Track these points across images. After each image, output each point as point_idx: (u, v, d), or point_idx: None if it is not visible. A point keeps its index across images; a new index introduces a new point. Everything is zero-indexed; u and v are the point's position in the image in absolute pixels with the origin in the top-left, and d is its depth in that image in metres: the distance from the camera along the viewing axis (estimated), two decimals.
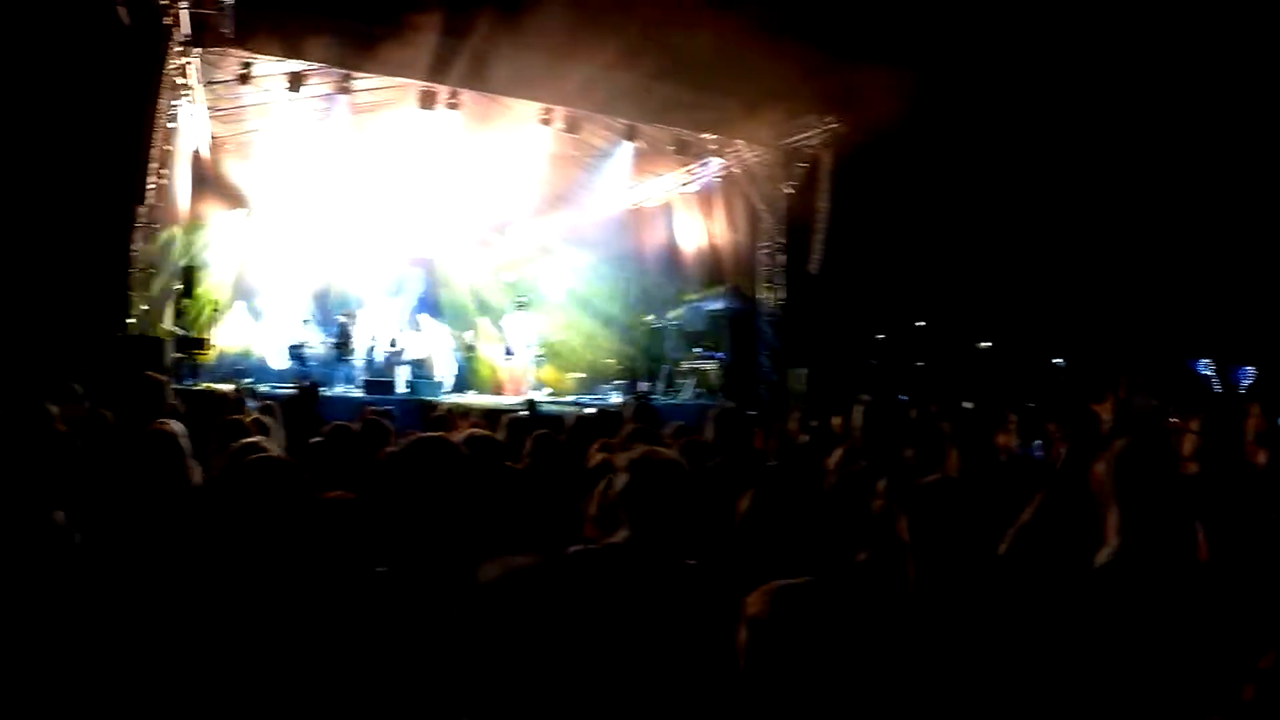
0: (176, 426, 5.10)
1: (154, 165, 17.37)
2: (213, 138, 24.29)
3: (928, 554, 3.47)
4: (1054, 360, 26.83)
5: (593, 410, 11.88)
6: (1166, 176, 26.74)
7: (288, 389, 20.26)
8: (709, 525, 4.09)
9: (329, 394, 19.31)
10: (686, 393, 24.69)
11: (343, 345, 24.21)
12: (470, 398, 22.85)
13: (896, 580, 3.44)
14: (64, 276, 17.84)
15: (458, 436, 5.49)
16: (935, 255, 28.52)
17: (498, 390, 25.50)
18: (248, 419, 8.28)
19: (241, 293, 26.45)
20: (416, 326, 26.56)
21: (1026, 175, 27.49)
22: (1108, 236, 27.99)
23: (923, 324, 30.99)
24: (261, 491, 3.90)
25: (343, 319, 24.54)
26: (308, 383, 16.12)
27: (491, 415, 14.50)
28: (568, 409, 17.30)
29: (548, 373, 26.19)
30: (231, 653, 3.37)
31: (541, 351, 25.09)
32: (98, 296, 17.33)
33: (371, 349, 24.87)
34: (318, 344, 25.08)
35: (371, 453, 6.83)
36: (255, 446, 4.76)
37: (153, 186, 17.51)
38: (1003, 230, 28.13)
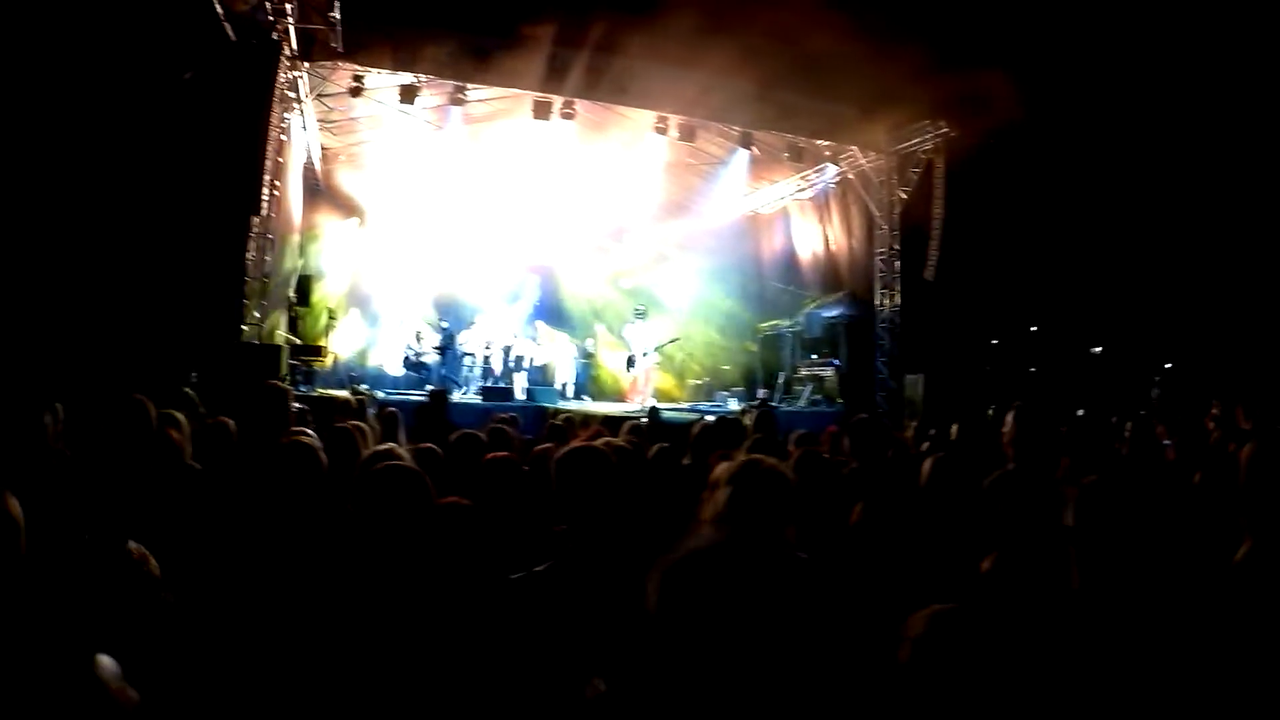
0: (314, 439, 5.20)
1: (267, 177, 17.66)
2: (323, 149, 24.74)
3: (1093, 554, 3.53)
4: (1164, 365, 26.48)
5: (712, 419, 11.97)
6: None
7: (406, 395, 20.62)
8: (823, 532, 4.22)
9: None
10: (803, 400, 24.58)
11: (445, 351, 24.62)
12: (588, 404, 23.10)
13: (1057, 582, 3.48)
14: (180, 286, 18.16)
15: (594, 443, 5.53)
16: (1048, 260, 28.20)
17: (616, 397, 25.62)
18: (368, 426, 8.51)
19: (356, 300, 26.99)
20: (534, 334, 26.77)
21: (1140, 179, 27.10)
22: (1221, 242, 27.50)
23: (1035, 329, 30.69)
24: (393, 500, 4.01)
25: (445, 326, 25.02)
26: (438, 389, 16.37)
27: (612, 422, 14.61)
28: (687, 416, 17.35)
29: (666, 380, 26.22)
30: (377, 659, 3.42)
31: (660, 359, 25.08)
32: (213, 306, 17.62)
33: (489, 356, 25.15)
34: (432, 350, 25.46)
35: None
36: (388, 454, 4.91)
37: (267, 198, 17.81)
38: (1115, 234, 27.76)
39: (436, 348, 24.82)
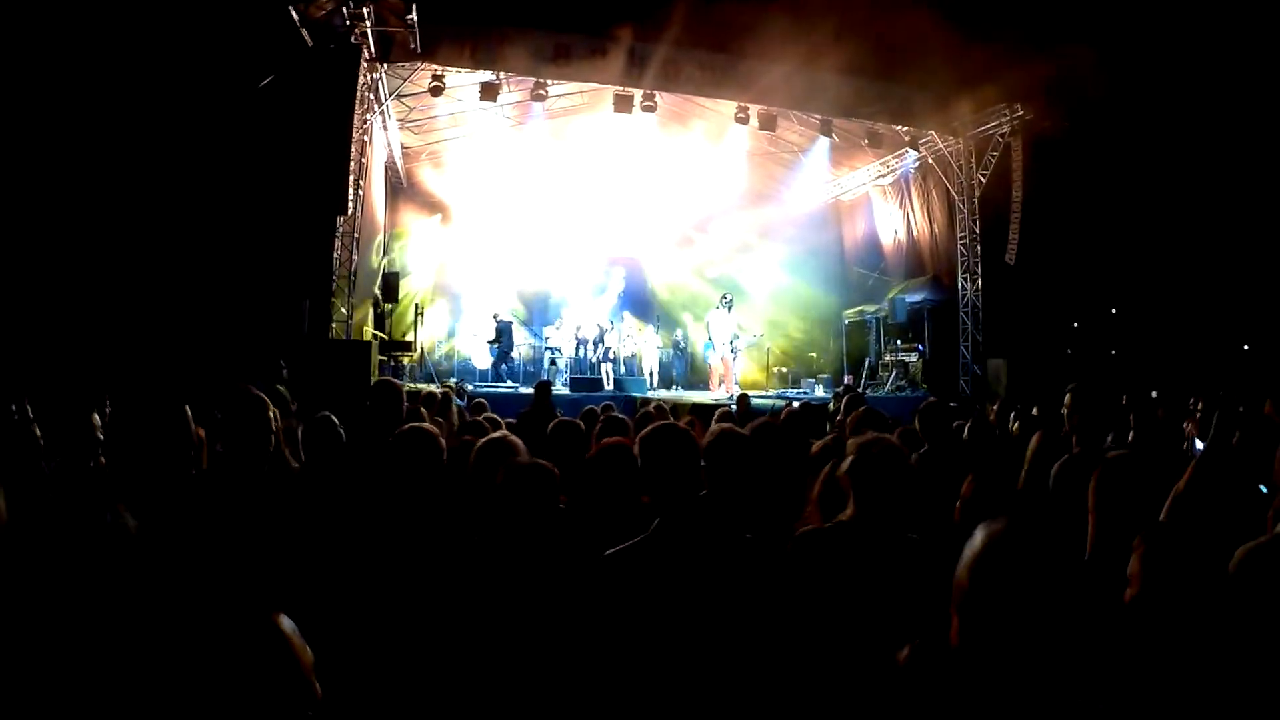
0: (433, 428, 5.38)
1: (352, 177, 17.95)
2: (404, 148, 25.14)
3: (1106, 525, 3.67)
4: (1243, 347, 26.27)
5: (797, 405, 12.19)
6: None
7: (493, 389, 20.95)
8: (924, 507, 4.39)
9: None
10: (888, 386, 24.70)
11: (496, 343, 24.92)
12: (676, 394, 23.23)
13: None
14: (270, 286, 18.49)
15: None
16: (1128, 241, 28.02)
17: (703, 386, 25.74)
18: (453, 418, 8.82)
19: (442, 296, 27.47)
20: (621, 325, 26.99)
21: (1221, 159, 26.86)
22: None
23: (1115, 311, 30.49)
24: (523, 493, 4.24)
25: (496, 319, 25.20)
26: (543, 381, 16.67)
27: (701, 410, 14.85)
28: (775, 404, 17.48)
29: (752, 368, 26.41)
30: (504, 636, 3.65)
31: (746, 347, 25.22)
32: (302, 304, 17.94)
33: (577, 347, 25.43)
34: (519, 344, 25.94)
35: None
36: (505, 444, 5.14)
37: (352, 197, 18.10)
38: (1194, 215, 27.52)
39: (490, 341, 25.19)
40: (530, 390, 17.17)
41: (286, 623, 2.26)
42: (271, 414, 5.13)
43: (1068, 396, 6.73)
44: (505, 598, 3.74)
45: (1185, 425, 8.34)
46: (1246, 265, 27.92)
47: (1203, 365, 24.65)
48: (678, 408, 14.95)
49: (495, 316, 25.35)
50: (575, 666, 3.58)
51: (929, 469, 5.92)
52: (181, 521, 4.14)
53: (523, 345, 26.75)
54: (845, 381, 26.35)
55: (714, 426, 4.75)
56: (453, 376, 23.21)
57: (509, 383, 24.17)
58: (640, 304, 29.61)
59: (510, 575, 3.81)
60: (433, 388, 16.06)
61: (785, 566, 3.77)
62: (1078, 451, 6.00)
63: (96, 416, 5.74)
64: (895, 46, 19.96)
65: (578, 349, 25.48)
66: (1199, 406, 9.16)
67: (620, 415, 8.38)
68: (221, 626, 2.18)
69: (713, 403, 17.96)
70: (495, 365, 25.03)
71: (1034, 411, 9.05)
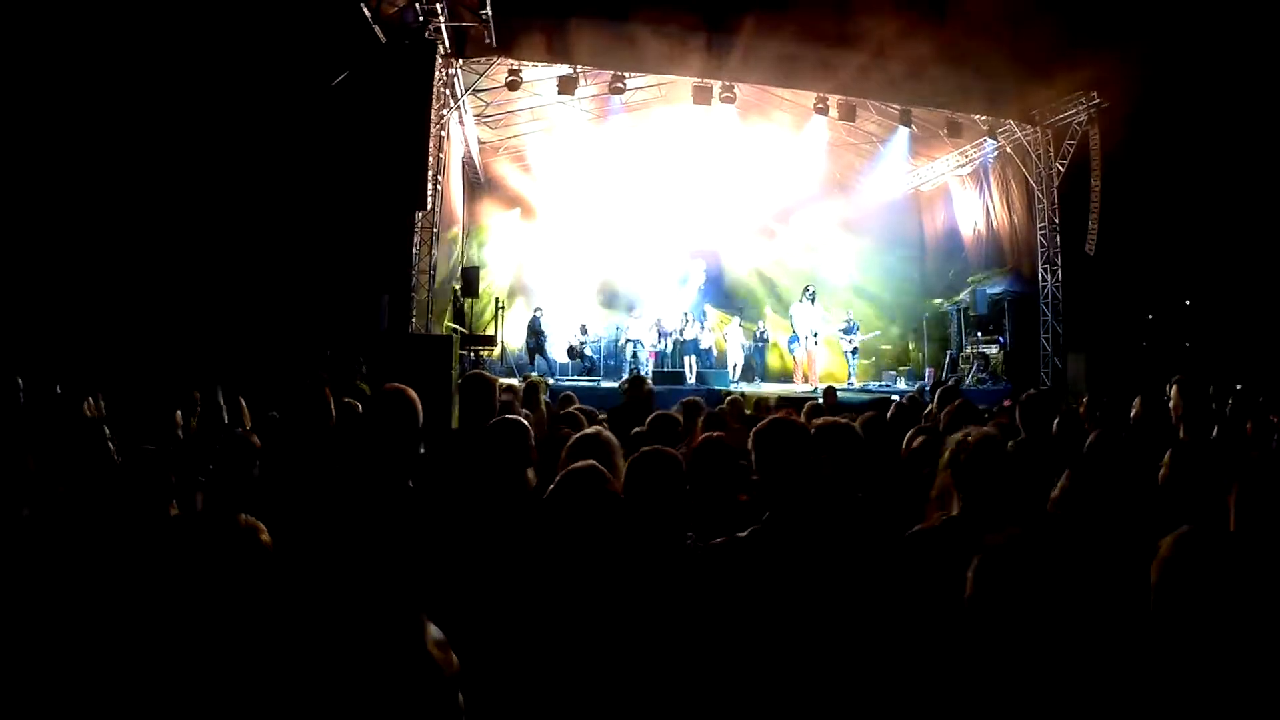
0: (524, 418, 5.45)
1: (430, 173, 18.10)
2: (481, 143, 25.26)
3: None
4: None
5: (896, 399, 12.27)
6: None
7: (574, 381, 21.13)
8: (1023, 500, 4.27)
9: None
10: (970, 378, 24.65)
11: (535, 336, 24.93)
12: (758, 386, 23.28)
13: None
14: (351, 282, 18.72)
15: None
16: (1205, 234, 27.76)
17: (785, 379, 25.90)
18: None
19: (521, 290, 27.67)
20: (703, 317, 27.08)
21: None
22: None
23: (1190, 303, 30.19)
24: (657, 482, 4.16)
25: (535, 313, 25.27)
26: (637, 376, 16.78)
27: (787, 403, 14.96)
28: (860, 397, 17.56)
29: (833, 360, 26.46)
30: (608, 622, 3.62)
31: (862, 341, 25.46)
32: (381, 299, 18.16)
33: (659, 339, 25.49)
34: (596, 338, 26.17)
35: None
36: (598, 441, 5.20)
37: (431, 193, 18.27)
38: (1271, 207, 27.22)
39: (526, 334, 25.33)
40: (612, 384, 17.32)
41: (434, 632, 2.41)
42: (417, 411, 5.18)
43: (1174, 389, 6.84)
44: (622, 589, 3.74)
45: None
46: None
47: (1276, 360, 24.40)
48: (762, 401, 15.01)
49: (536, 311, 25.44)
50: (680, 656, 3.61)
51: (1026, 460, 5.91)
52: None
53: (604, 337, 26.82)
54: (927, 374, 26.39)
55: (822, 421, 4.83)
56: (533, 370, 23.40)
57: (587, 377, 24.36)
58: (721, 296, 29.69)
59: (627, 567, 3.82)
60: (514, 381, 16.26)
61: (897, 566, 3.85)
62: (1185, 440, 6.11)
63: (179, 414, 5.94)
64: (973, 35, 19.96)
65: (659, 340, 25.51)
66: None
67: (717, 409, 8.51)
68: (378, 633, 2.32)
69: (798, 396, 18.05)
70: (531, 360, 25.01)
71: (1135, 403, 9.09)
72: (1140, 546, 3.05)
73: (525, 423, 5.26)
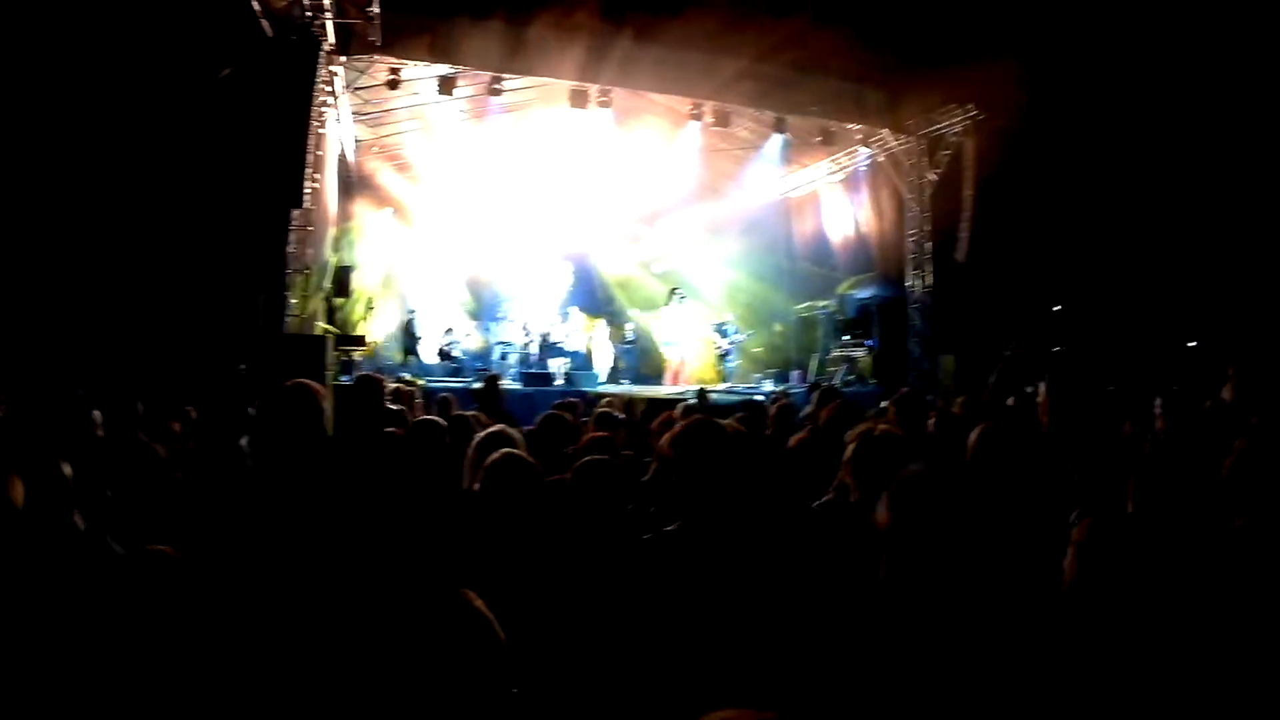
0: (441, 421, 5.53)
1: (308, 170, 17.90)
2: (357, 141, 25.02)
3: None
4: (1188, 344, 26.65)
5: (761, 399, 12.28)
6: None
7: (445, 383, 20.94)
8: None
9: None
10: (838, 380, 24.70)
11: (409, 337, 25.08)
12: (628, 387, 23.29)
13: None
14: (224, 280, 18.46)
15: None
16: (1076, 239, 28.33)
17: (654, 380, 25.93)
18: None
19: (391, 291, 27.38)
20: (571, 320, 27.01)
21: (1168, 159, 27.24)
22: (1247, 221, 27.65)
23: (1059, 308, 30.78)
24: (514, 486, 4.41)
25: (410, 314, 25.41)
26: (492, 374, 16.65)
27: (658, 405, 14.87)
28: (731, 399, 17.58)
29: (702, 363, 26.48)
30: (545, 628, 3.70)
31: (738, 345, 25.58)
32: (256, 298, 17.89)
33: (527, 343, 25.54)
34: (465, 338, 26.03)
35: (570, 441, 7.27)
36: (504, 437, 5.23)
37: (308, 191, 18.13)
38: (1141, 216, 27.89)
39: (404, 332, 25.34)
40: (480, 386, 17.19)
41: (477, 599, 2.36)
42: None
43: (1042, 389, 6.92)
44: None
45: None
46: (1192, 264, 28.31)
47: (1146, 361, 24.95)
48: (634, 402, 14.95)
49: (410, 312, 25.53)
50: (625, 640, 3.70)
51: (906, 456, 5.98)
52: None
53: (472, 338, 26.62)
54: (794, 376, 26.64)
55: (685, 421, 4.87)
56: (405, 372, 23.18)
57: (454, 378, 24.08)
58: (590, 298, 29.71)
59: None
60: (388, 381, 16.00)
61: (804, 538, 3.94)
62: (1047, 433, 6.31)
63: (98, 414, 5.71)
64: (851, 46, 20.14)
65: (526, 343, 25.54)
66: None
67: (612, 411, 8.54)
68: (428, 604, 2.29)
69: (669, 397, 18.04)
70: (403, 360, 25.02)
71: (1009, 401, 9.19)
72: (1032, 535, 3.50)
73: (441, 425, 5.84)
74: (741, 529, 3.91)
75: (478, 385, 16.62)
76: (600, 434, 6.53)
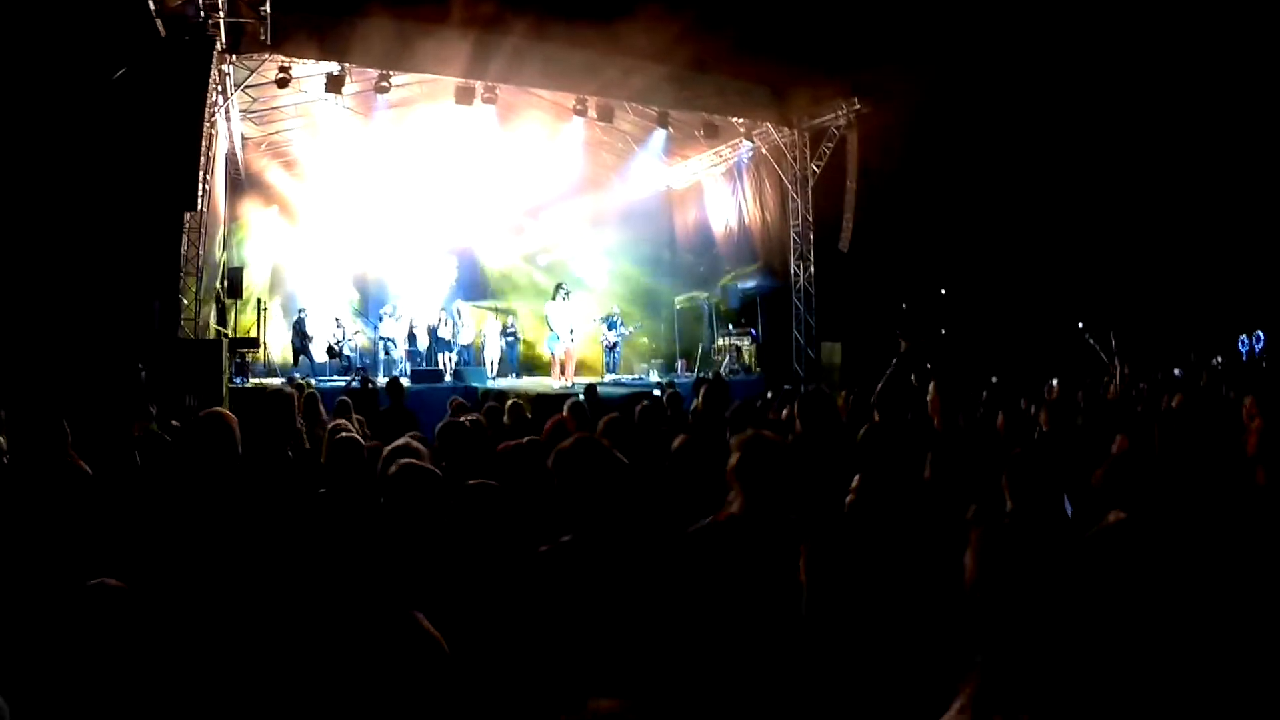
0: (354, 433, 5.60)
1: (201, 172, 17.66)
2: (244, 139, 24.81)
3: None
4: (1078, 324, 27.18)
5: (656, 394, 12.35)
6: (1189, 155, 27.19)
7: (335, 382, 20.82)
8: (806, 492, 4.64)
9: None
10: (722, 370, 24.91)
11: (300, 337, 24.96)
12: (515, 382, 23.62)
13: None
14: (117, 284, 18.22)
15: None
16: (958, 225, 28.79)
17: (541, 374, 25.93)
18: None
19: (278, 289, 27.23)
20: (458, 315, 26.90)
21: (1049, 148, 27.82)
22: (1130, 207, 28.36)
23: (944, 292, 31.24)
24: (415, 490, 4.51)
25: (300, 314, 25.29)
26: (361, 375, 16.59)
27: (546, 400, 14.94)
28: (619, 391, 17.68)
29: (588, 355, 26.51)
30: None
31: (624, 339, 25.86)
32: (151, 302, 17.67)
33: (411, 338, 25.46)
34: (354, 337, 25.87)
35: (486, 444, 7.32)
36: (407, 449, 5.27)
37: (201, 192, 17.81)
38: (1024, 202, 28.45)
39: (295, 332, 25.24)
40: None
41: (423, 619, 2.49)
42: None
43: (930, 384, 7.08)
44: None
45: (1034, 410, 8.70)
46: (1076, 248, 28.94)
47: (1032, 344, 25.46)
48: (523, 399, 14.96)
49: (301, 311, 25.35)
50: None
51: (808, 455, 6.07)
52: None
53: (359, 336, 26.44)
54: (679, 366, 26.87)
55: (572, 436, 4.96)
56: (297, 372, 23.01)
57: (346, 376, 23.89)
58: (476, 292, 29.74)
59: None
60: (275, 382, 15.89)
61: (683, 559, 4.06)
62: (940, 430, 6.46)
63: None
64: (735, 41, 20.30)
65: (412, 339, 25.49)
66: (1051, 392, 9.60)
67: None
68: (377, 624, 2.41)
69: (558, 392, 18.12)
70: (295, 361, 25.06)
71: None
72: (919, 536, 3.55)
73: (357, 438, 5.89)
74: (629, 541, 4.06)
75: (355, 386, 16.63)
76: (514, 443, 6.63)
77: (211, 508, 4.84)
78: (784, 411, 8.91)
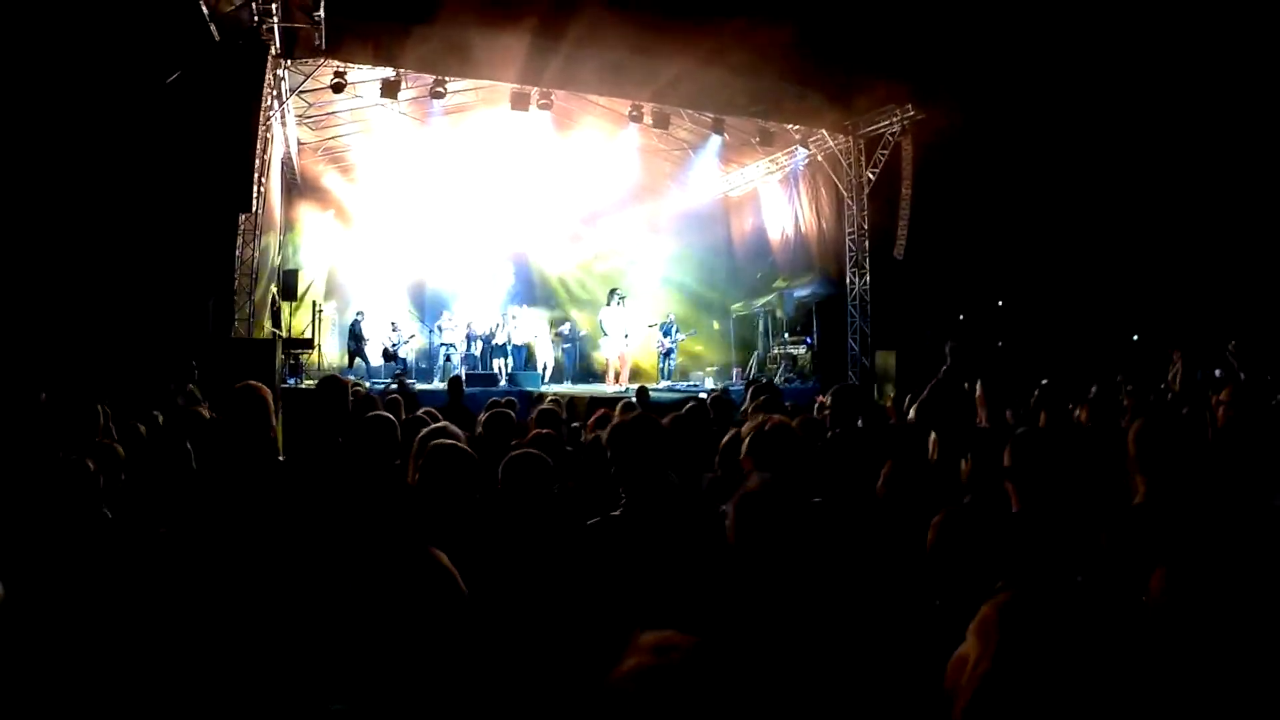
0: (390, 415, 5.72)
1: (255, 174, 17.82)
2: (300, 144, 24.99)
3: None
4: (1133, 337, 27.04)
5: (704, 396, 12.41)
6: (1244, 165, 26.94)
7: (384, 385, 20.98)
8: (834, 478, 4.94)
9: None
10: (778, 378, 24.83)
11: (356, 339, 25.03)
12: (570, 387, 23.68)
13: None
14: (174, 285, 18.43)
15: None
16: (1014, 236, 28.67)
17: (596, 379, 26.11)
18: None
19: (334, 293, 27.48)
20: (513, 320, 27.04)
21: (1104, 157, 27.65)
22: (1183, 219, 28.15)
23: (1001, 304, 31.11)
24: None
25: (357, 317, 25.31)
26: (398, 379, 16.75)
27: (600, 404, 14.97)
28: (671, 396, 17.73)
29: (644, 362, 26.63)
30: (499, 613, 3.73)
31: (681, 340, 25.81)
32: (206, 303, 17.87)
33: (469, 342, 25.62)
34: (409, 339, 26.03)
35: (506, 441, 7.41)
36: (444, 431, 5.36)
37: (256, 195, 17.98)
38: (1082, 212, 28.29)
39: (351, 334, 25.27)
40: (425, 386, 17.24)
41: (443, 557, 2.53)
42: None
43: (978, 384, 7.13)
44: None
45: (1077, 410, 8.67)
46: (1132, 258, 28.75)
47: (1089, 355, 25.29)
48: (575, 401, 15.04)
49: (358, 314, 25.41)
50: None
51: (843, 446, 6.13)
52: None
53: (415, 339, 26.62)
54: (735, 374, 26.84)
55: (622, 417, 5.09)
56: (351, 373, 23.18)
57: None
58: (532, 298, 29.71)
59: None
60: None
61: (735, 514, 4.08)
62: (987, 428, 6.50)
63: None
64: (790, 47, 20.26)
65: (469, 344, 25.64)
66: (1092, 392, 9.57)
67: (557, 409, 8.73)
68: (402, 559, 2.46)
69: (610, 396, 18.16)
70: (350, 363, 25.16)
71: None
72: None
73: (392, 419, 6.00)
74: (676, 512, 4.20)
75: (424, 386, 16.78)
76: (543, 430, 6.71)
77: (243, 470, 5.00)
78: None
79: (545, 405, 9.62)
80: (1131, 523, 3.87)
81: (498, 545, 4.11)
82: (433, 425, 5.68)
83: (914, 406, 7.40)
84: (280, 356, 17.76)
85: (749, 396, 9.16)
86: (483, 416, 7.57)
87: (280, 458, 5.75)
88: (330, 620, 2.41)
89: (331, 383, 6.54)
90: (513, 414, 7.72)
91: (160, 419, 7.34)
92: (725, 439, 6.28)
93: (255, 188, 17.95)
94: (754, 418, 5.49)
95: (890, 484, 4.51)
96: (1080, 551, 3.76)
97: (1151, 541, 3.72)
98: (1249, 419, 5.98)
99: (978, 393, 7.32)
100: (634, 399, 13.02)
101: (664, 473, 4.40)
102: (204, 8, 16.57)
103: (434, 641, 2.36)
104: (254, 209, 18.28)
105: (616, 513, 4.29)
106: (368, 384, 19.60)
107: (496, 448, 6.36)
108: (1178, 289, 28.26)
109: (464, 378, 21.75)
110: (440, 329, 25.60)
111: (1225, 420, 6.34)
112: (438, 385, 22.12)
